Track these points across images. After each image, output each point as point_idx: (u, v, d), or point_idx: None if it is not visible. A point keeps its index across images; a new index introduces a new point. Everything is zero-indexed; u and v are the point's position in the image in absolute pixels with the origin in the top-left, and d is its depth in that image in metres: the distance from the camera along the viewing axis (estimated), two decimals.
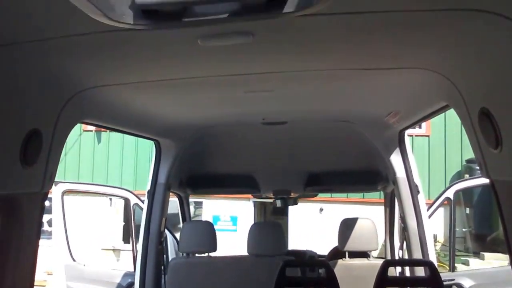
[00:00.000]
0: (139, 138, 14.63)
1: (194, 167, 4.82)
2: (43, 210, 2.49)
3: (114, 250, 14.17)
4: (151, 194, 4.23)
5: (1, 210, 2.28)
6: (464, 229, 12.79)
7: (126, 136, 14.04)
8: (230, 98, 3.06)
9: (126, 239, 13.85)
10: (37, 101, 2.13)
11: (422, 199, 4.03)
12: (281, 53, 2.03)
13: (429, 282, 3.21)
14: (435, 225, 8.30)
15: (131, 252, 5.77)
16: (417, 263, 3.80)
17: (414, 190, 3.99)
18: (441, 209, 5.89)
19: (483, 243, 12.20)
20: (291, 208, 13.71)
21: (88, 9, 1.42)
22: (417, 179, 4.05)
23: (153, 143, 4.26)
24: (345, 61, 2.19)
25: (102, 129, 14.38)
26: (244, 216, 14.11)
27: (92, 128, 14.25)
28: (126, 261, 10.59)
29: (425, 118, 3.22)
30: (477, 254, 11.96)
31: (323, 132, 4.31)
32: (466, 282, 4.80)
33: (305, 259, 5.83)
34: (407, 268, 4.25)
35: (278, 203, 5.36)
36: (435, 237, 11.47)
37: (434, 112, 2.93)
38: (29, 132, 2.09)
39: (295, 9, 1.42)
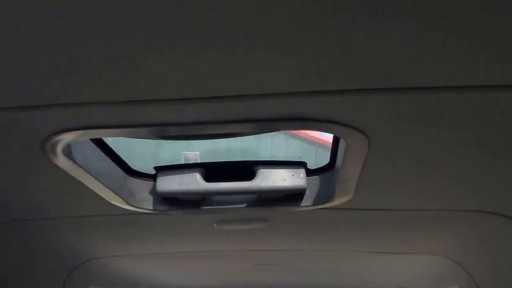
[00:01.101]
0: None
1: None
2: None
3: None
4: None
5: None
6: None
7: None
8: (239, 269, 3.04)
9: None
10: (43, 270, 2.12)
11: None
12: (294, 235, 2.05)
13: None
14: None
15: None
16: None
17: None
18: None
19: None
20: None
21: (110, 197, 1.46)
22: None
23: None
24: (355, 244, 2.22)
25: None
26: None
27: None
28: None
29: None
30: None
31: None
32: None
33: None
34: None
35: None
36: None
37: None
38: None
39: (313, 203, 1.45)
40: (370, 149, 1.12)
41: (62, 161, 1.20)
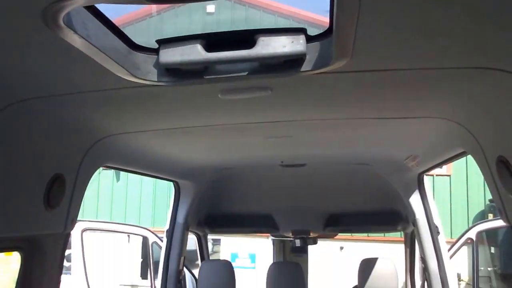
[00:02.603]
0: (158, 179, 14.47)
1: (213, 207, 4.84)
2: (64, 250, 2.55)
3: (132, 286, 14.11)
4: (170, 233, 4.26)
5: (24, 250, 2.35)
6: (489, 269, 12.48)
7: None
8: (249, 143, 3.10)
9: (144, 275, 13.81)
10: (61, 148, 2.21)
11: (442, 240, 3.98)
12: (299, 104, 2.08)
13: None
14: (459, 264, 8.13)
15: None
16: None
17: (434, 231, 3.95)
18: (465, 248, 5.80)
19: (509, 282, 11.88)
20: (311, 246, 13.54)
21: (115, 69, 1.49)
22: (437, 220, 4.01)
23: (171, 183, 4.31)
24: (360, 111, 2.24)
25: None
26: (262, 253, 13.97)
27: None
28: None
29: (444, 162, 3.22)
30: None
31: (343, 174, 4.33)
32: None
33: None
34: None
35: (298, 243, 5.31)
36: (459, 276, 11.20)
37: (452, 157, 2.94)
38: (53, 177, 2.17)
39: (312, 68, 1.47)
40: (361, 4, 1.11)
41: (64, 32, 1.23)
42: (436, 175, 12.88)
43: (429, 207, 4.00)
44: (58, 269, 2.52)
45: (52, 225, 2.32)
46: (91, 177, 2.53)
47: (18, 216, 2.07)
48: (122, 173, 14.85)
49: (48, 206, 2.19)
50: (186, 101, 2.00)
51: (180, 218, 4.28)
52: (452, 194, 13.27)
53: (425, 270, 4.03)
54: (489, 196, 12.51)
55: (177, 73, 1.59)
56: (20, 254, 2.42)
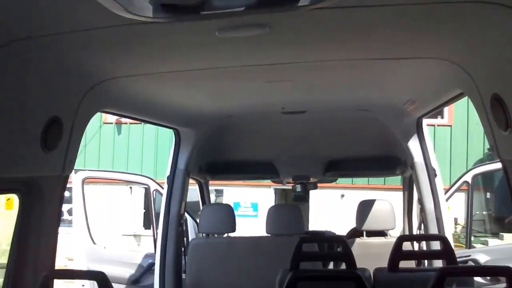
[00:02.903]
0: (159, 130, 14.47)
1: (214, 154, 4.88)
2: (63, 193, 2.60)
3: (135, 235, 14.41)
4: (171, 179, 4.31)
5: (22, 192, 2.40)
6: (484, 212, 12.79)
7: (146, 127, 14.35)
8: (250, 88, 3.10)
9: (146, 225, 14.08)
10: (58, 90, 2.22)
11: (439, 182, 4.07)
12: (298, 43, 2.08)
13: (442, 256, 3.24)
14: (456, 209, 8.30)
15: (152, 237, 5.87)
16: (431, 237, 3.86)
17: (431, 174, 4.03)
18: (463, 194, 5.90)
19: (502, 224, 12.22)
20: (312, 194, 13.72)
21: (108, 4, 1.47)
22: (434, 164, 4.08)
23: (172, 132, 4.33)
24: (358, 52, 2.25)
25: (122, 121, 14.55)
26: (264, 202, 14.18)
27: (112, 120, 14.40)
28: (147, 246, 10.76)
29: (442, 106, 3.25)
30: (496, 235, 12.03)
31: (342, 120, 4.36)
32: (482, 257, 4.82)
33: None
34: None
35: (298, 188, 5.41)
36: (455, 220, 11.48)
37: (450, 99, 2.97)
38: (50, 119, 2.19)
39: (310, 2, 1.45)
40: None
41: None
42: (437, 125, 12.94)
43: (427, 150, 4.06)
44: (57, 213, 2.57)
45: (50, 167, 2.36)
46: (89, 121, 2.55)
47: (16, 157, 2.10)
48: (123, 126, 14.88)
49: (46, 148, 2.22)
50: (183, 41, 1.99)
51: (181, 164, 4.32)
52: (452, 144, 13.36)
53: (422, 210, 4.14)
54: (487, 144, 12.60)
55: (172, 8, 1.57)
56: (18, 197, 2.46)
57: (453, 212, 9.42)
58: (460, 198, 5.80)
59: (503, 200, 12.06)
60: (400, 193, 5.45)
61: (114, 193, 13.98)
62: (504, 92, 1.89)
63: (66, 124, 2.31)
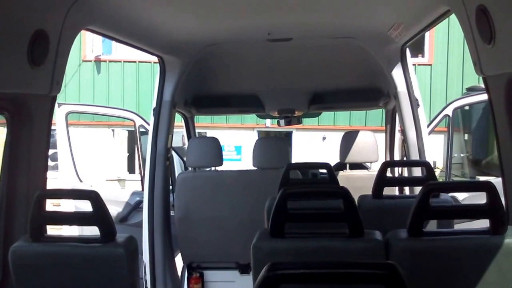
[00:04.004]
0: (140, 69, 14.21)
1: (199, 87, 4.86)
2: (51, 115, 2.60)
3: (119, 180, 14.45)
4: (157, 111, 4.28)
5: (11, 112, 2.39)
6: (462, 155, 13.05)
7: (126, 65, 14.12)
8: (235, 11, 3.07)
9: (131, 169, 14.12)
10: (43, 1, 2.18)
11: (422, 112, 4.14)
12: None
13: (425, 182, 3.35)
14: (435, 152, 8.48)
15: (136, 181, 5.88)
16: (414, 163, 3.98)
17: (414, 104, 4.09)
18: (441, 136, 6.00)
19: (479, 167, 12.51)
20: (294, 137, 13.88)
21: None
22: (417, 93, 4.14)
23: (154, 72, 4.28)
24: None
25: (102, 59, 14.28)
26: (248, 145, 14.27)
27: (91, 58, 14.12)
28: (132, 190, 10.83)
29: (427, 28, 3.26)
30: (473, 179, 12.28)
31: (328, 50, 4.34)
32: (460, 194, 4.97)
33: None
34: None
35: (282, 123, 5.45)
36: (434, 163, 11.72)
37: (435, 20, 2.98)
38: (35, 32, 2.16)
39: None
40: None
41: None
42: (418, 64, 12.99)
43: (410, 80, 4.10)
44: (46, 135, 2.58)
45: (37, 85, 2.34)
46: (75, 37, 2.52)
47: (2, 72, 2.08)
48: (102, 64, 14.59)
49: (33, 64, 2.20)
50: None
51: (167, 96, 4.29)
52: (432, 83, 13.50)
53: (404, 141, 4.22)
54: (467, 85, 12.77)
55: None
56: (6, 118, 2.46)
57: (432, 155, 9.59)
58: (439, 141, 5.90)
59: (480, 143, 12.30)
60: (382, 135, 5.53)
61: (96, 136, 13.90)
62: (489, 3, 1.91)
63: (53, 38, 2.29)
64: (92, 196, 2.30)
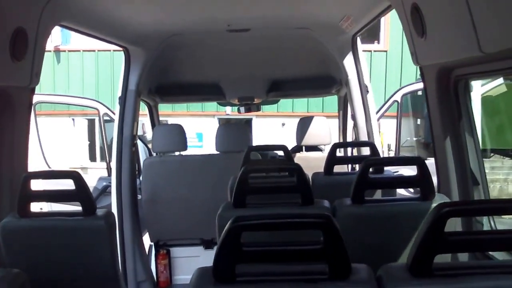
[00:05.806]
0: (99, 58, 14.09)
1: (163, 76, 5.06)
2: (31, 105, 2.82)
3: (82, 168, 14.43)
4: (123, 99, 4.47)
5: None
6: (414, 139, 13.62)
7: (85, 54, 14.04)
8: (196, 3, 3.31)
9: (92, 158, 14.12)
10: (21, 3, 2.40)
11: (371, 99, 4.48)
12: None
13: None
14: (389, 136, 8.92)
15: (98, 169, 6.02)
16: (361, 144, 4.35)
17: (363, 91, 4.43)
18: (395, 120, 6.39)
19: (428, 150, 13.11)
20: (254, 123, 14.19)
21: None
22: (367, 81, 4.48)
23: (113, 61, 4.46)
24: None
25: (61, 49, 14.15)
26: (209, 132, 14.48)
27: (51, 48, 13.97)
28: (95, 178, 10.90)
29: (374, 20, 3.60)
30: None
31: (284, 40, 4.63)
32: (408, 172, 5.36)
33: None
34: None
35: (242, 110, 5.71)
36: (389, 146, 12.24)
37: (379, 13, 3.33)
38: (16, 30, 2.38)
39: None
40: None
41: None
42: (374, 51, 13.44)
43: (360, 68, 4.44)
44: (26, 123, 2.80)
45: (18, 78, 2.56)
46: (50, 32, 2.74)
47: None
48: (62, 54, 14.46)
49: (14, 58, 2.42)
50: None
51: (132, 85, 4.48)
52: (387, 69, 13.98)
53: (355, 125, 4.58)
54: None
55: None
56: None
57: (386, 138, 10.08)
58: (393, 125, 6.30)
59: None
60: (337, 120, 5.87)
61: (56, 126, 13.81)
62: (421, 2, 2.25)
63: (31, 35, 2.50)
64: (75, 175, 2.55)
